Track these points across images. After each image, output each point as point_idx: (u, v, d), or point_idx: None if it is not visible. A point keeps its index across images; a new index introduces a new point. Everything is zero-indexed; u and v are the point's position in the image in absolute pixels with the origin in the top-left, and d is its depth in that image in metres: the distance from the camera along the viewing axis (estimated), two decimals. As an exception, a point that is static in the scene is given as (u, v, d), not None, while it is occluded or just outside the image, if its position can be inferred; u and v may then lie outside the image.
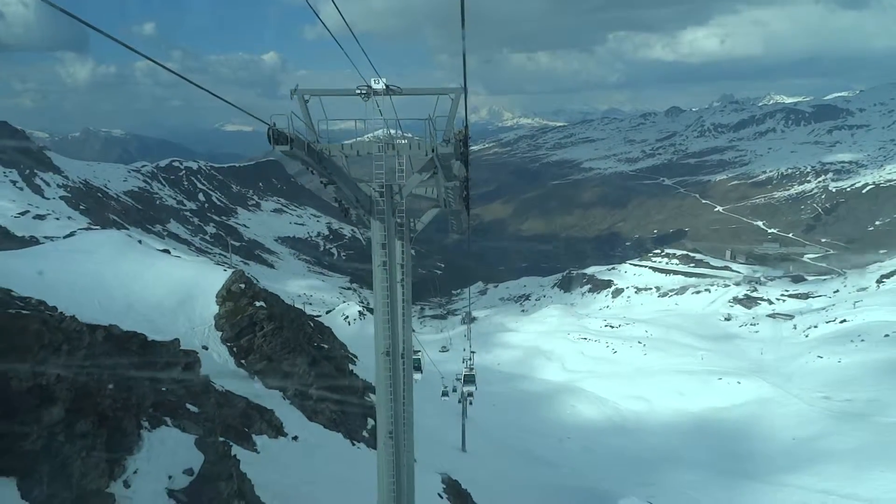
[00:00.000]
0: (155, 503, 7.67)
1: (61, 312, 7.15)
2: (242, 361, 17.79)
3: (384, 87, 7.12)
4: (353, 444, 18.52)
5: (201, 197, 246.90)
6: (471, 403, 38.23)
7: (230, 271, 19.83)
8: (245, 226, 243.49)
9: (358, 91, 7.17)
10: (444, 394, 41.58)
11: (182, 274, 19.66)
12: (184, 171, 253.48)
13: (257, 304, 18.46)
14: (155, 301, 17.03)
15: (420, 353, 15.90)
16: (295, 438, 15.14)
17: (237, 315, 17.60)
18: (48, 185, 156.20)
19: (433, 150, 7.20)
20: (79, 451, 6.36)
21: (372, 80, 7.23)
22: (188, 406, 11.99)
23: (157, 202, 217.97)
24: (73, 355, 6.76)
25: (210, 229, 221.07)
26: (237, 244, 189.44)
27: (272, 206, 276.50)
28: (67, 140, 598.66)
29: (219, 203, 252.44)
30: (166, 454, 8.38)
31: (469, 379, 33.52)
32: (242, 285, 18.77)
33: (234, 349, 17.65)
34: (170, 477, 8.32)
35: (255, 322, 17.75)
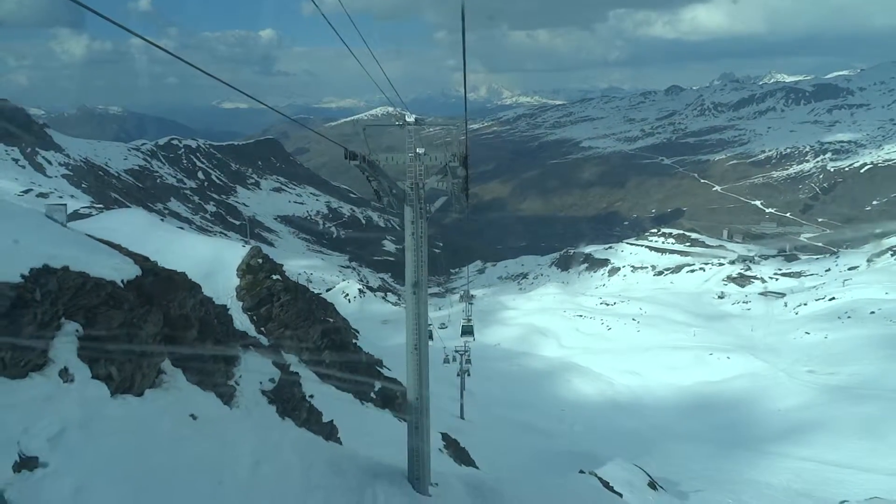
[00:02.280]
0: (254, 398, 11.66)
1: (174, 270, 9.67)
2: (262, 329, 19.72)
3: (415, 119, 11.21)
4: (363, 404, 20.54)
5: (201, 175, 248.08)
6: (468, 374, 40.23)
7: (248, 247, 21.74)
8: (244, 204, 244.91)
9: (398, 123, 11.24)
10: (446, 360, 43.60)
11: (204, 249, 21.54)
12: (183, 150, 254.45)
13: (274, 277, 20.25)
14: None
15: (431, 326, 18.56)
16: (311, 396, 16.97)
17: (256, 287, 19.41)
18: (50, 163, 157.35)
19: (446, 164, 11.45)
20: (209, 358, 9.90)
21: (406, 115, 11.20)
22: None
23: (158, 180, 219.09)
24: (195, 297, 9.32)
25: (210, 208, 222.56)
26: (238, 223, 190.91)
27: (271, 184, 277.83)
28: (63, 117, 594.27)
29: (218, 181, 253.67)
30: (255, 367, 12.28)
31: (467, 329, 36.09)
32: (260, 260, 20.58)
33: (255, 318, 19.48)
34: (260, 382, 12.18)
35: (273, 293, 19.55)
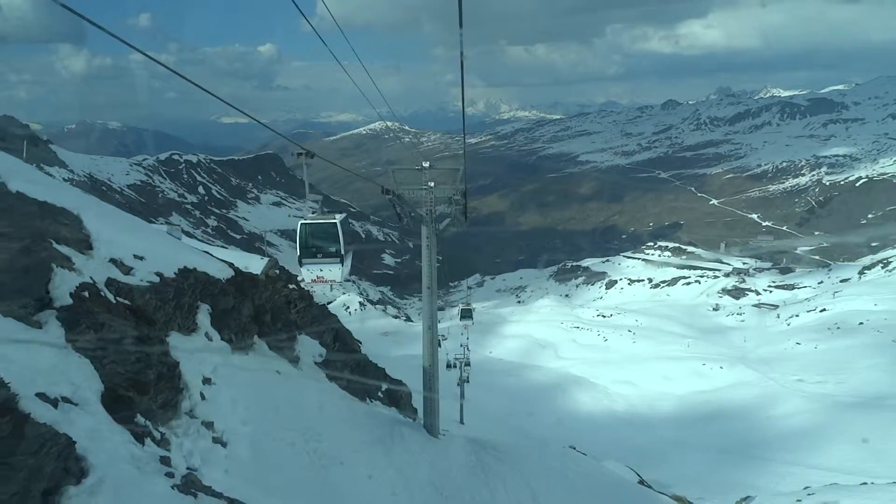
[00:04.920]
0: (311, 366, 16.31)
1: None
2: (281, 333, 21.90)
3: (429, 165, 15.03)
4: (371, 402, 22.35)
5: (201, 190, 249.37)
6: (467, 381, 41.75)
7: (266, 259, 23.52)
8: (245, 219, 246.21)
9: (418, 167, 14.95)
10: (449, 365, 44.64)
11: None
12: (183, 165, 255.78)
13: (290, 286, 22.05)
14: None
15: (440, 337, 22.04)
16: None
17: (275, 295, 21.32)
18: (54, 178, 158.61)
19: (451, 196, 15.26)
20: (280, 335, 14.76)
21: (424, 163, 15.00)
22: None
23: (160, 195, 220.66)
24: (268, 292, 12.57)
25: (211, 222, 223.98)
26: (238, 237, 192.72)
27: (271, 199, 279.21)
28: (64, 132, 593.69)
29: (219, 196, 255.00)
30: (308, 346, 16.84)
31: (466, 313, 38.06)
32: (277, 270, 22.43)
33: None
34: (312, 356, 16.58)
35: (290, 301, 21.36)
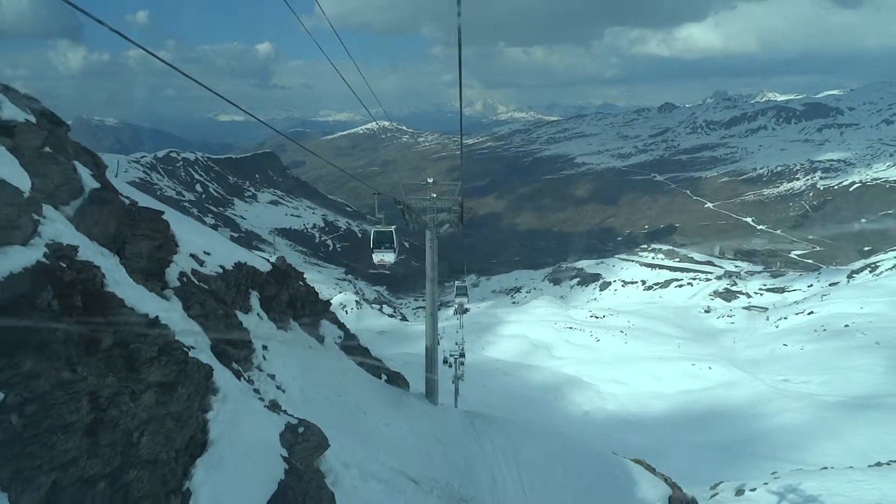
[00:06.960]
0: (333, 344, 19.56)
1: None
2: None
3: (433, 180, 18.32)
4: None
5: (199, 188, 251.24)
6: (462, 378, 43.81)
7: (275, 256, 25.75)
8: (242, 217, 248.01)
9: (423, 182, 18.30)
10: (445, 361, 46.19)
11: (239, 256, 25.94)
12: (181, 162, 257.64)
13: (299, 283, 24.59)
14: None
15: (440, 337, 25.45)
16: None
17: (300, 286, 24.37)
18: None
19: (451, 207, 18.43)
20: (308, 318, 17.69)
21: (428, 178, 18.36)
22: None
23: (158, 193, 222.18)
24: (297, 282, 15.47)
25: (209, 220, 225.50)
26: (236, 235, 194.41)
27: (268, 197, 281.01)
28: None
29: (216, 194, 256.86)
30: (329, 329, 20.00)
31: (461, 291, 40.02)
32: (285, 268, 25.13)
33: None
34: (333, 337, 19.58)
35: (299, 296, 24.15)
